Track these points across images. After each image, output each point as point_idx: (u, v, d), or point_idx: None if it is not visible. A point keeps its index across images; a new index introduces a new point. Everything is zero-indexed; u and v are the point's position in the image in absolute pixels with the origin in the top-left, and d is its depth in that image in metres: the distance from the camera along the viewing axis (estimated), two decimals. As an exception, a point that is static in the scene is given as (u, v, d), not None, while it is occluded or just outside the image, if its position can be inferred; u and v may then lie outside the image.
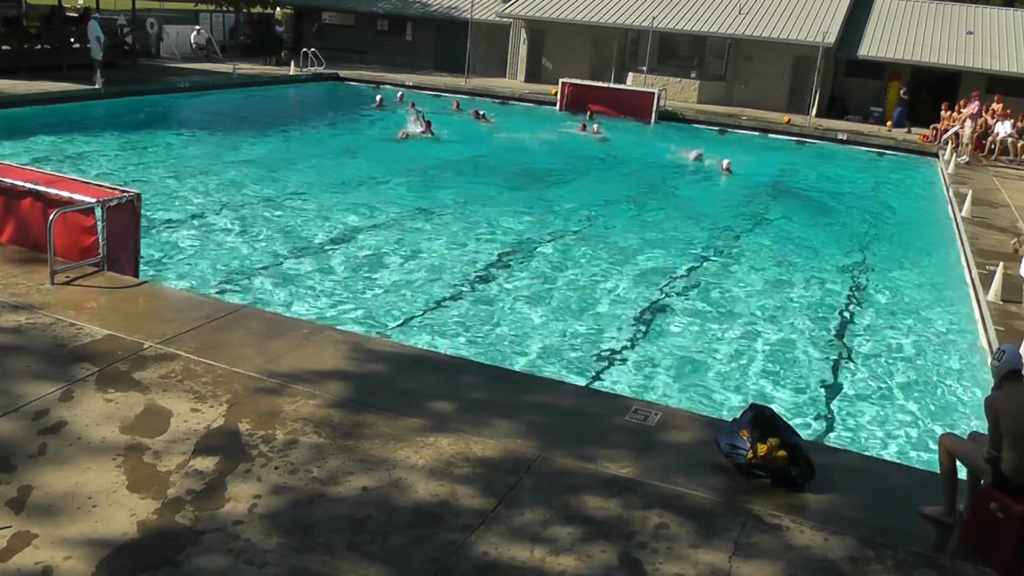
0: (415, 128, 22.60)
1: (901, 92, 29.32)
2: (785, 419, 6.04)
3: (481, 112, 26.62)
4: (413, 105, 23.24)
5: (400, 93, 28.72)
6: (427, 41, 37.39)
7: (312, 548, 4.67)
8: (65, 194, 8.41)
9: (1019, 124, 25.06)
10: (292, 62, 32.84)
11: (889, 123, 29.12)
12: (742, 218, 17.02)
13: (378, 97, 27.85)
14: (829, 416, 8.64)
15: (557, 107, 29.38)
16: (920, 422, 8.63)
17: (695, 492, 5.51)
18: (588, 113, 27.59)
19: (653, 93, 28.56)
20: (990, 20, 31.65)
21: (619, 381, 8.95)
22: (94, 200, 8.31)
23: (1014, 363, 5.11)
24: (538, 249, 13.44)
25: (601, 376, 9.05)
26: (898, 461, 7.19)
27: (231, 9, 36.80)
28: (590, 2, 33.22)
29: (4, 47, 24.69)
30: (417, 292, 11.08)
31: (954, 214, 17.27)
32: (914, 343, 10.70)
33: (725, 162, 21.16)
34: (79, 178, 9.74)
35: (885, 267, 14.21)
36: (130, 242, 8.76)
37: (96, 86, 23.15)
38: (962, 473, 5.37)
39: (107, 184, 9.35)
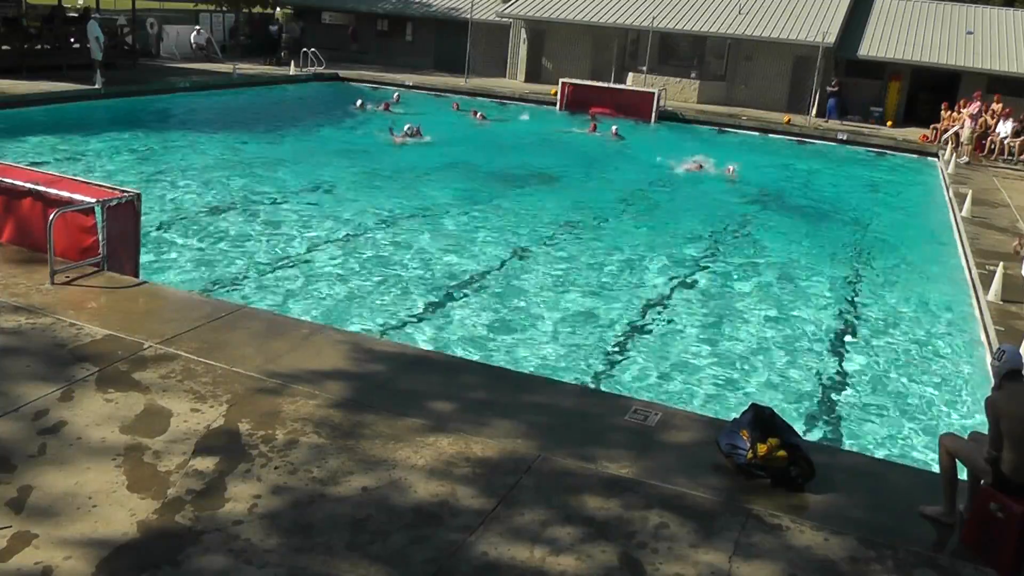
0: (404, 135, 22.25)
1: (831, 84, 29.75)
2: (784, 419, 6.04)
3: (479, 112, 26.68)
4: (402, 131, 22.32)
5: (396, 95, 28.54)
6: (427, 41, 37.40)
7: (312, 548, 4.67)
8: (65, 194, 8.41)
9: (1018, 124, 25.06)
10: (292, 62, 32.84)
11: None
12: (741, 218, 17.01)
13: (359, 101, 26.92)
14: (828, 416, 8.64)
15: (557, 107, 29.39)
16: (920, 422, 8.63)
17: (695, 492, 5.51)
18: (591, 115, 27.64)
19: (653, 93, 28.56)
20: (990, 20, 31.63)
21: (619, 381, 8.95)
22: (94, 200, 8.32)
23: (1014, 363, 5.11)
24: (540, 249, 13.45)
25: (601, 376, 9.06)
26: (898, 461, 7.19)
27: (231, 9, 36.80)
28: (590, 2, 33.21)
29: (4, 47, 24.69)
30: (416, 293, 11.09)
31: (954, 214, 17.26)
32: (914, 343, 10.70)
33: (731, 167, 20.98)
34: (79, 178, 9.74)
35: (884, 267, 14.21)
36: (130, 242, 8.76)
37: (96, 86, 23.15)
38: (962, 473, 5.37)
39: (107, 184, 9.36)
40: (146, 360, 6.70)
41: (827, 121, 28.81)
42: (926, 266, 14.41)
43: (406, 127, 22.42)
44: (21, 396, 5.99)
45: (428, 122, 23.53)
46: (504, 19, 34.18)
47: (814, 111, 29.05)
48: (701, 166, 21.32)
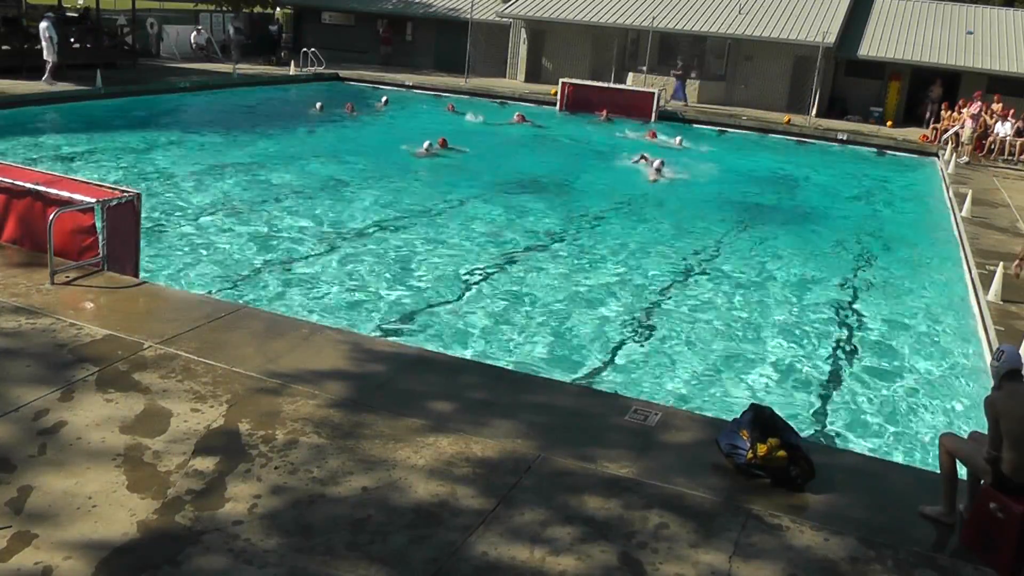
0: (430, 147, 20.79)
1: (676, 67, 30.75)
2: (785, 419, 6.04)
3: (521, 114, 26.26)
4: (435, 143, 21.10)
5: (384, 98, 28.17)
6: (427, 41, 37.41)
7: (312, 548, 4.67)
8: (65, 194, 8.40)
9: (1018, 124, 25.05)
10: (292, 62, 32.84)
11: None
12: (741, 218, 17.00)
13: (318, 104, 26.02)
14: (828, 416, 8.64)
15: (557, 107, 29.40)
16: (920, 422, 8.63)
17: (695, 492, 5.51)
18: (603, 115, 27.65)
19: (653, 93, 28.58)
20: (990, 20, 31.64)
21: (619, 381, 8.95)
22: (94, 200, 8.31)
23: (1014, 363, 5.11)
24: (547, 248, 13.47)
25: (601, 377, 9.05)
26: (898, 461, 7.19)
27: (231, 9, 36.79)
28: (590, 2, 33.22)
29: (4, 47, 24.69)
30: (417, 292, 11.10)
31: (954, 214, 17.26)
32: (913, 343, 10.70)
33: (656, 162, 20.18)
34: (79, 178, 9.73)
35: (884, 267, 14.21)
36: (130, 242, 8.76)
37: (96, 85, 23.17)
38: (962, 473, 5.37)
39: (107, 184, 9.36)
40: (146, 360, 6.70)
41: (674, 106, 29.82)
42: (926, 266, 14.40)
43: (440, 140, 21.09)
44: (21, 396, 5.98)
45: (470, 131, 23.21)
46: (504, 19, 34.18)
47: (814, 111, 29.05)
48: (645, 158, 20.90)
